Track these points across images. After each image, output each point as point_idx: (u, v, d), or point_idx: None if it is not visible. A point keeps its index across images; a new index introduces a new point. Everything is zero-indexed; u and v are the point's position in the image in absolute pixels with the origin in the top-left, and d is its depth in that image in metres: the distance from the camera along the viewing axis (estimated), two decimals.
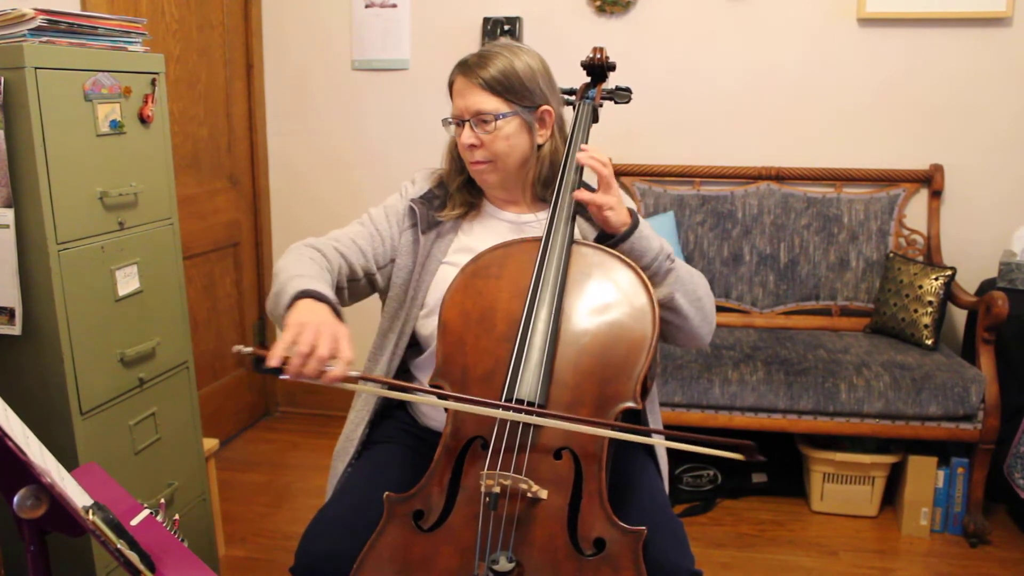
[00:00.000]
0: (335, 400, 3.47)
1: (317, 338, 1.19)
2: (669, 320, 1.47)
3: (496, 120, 1.47)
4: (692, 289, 1.48)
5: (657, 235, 1.45)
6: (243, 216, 3.37)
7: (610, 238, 1.42)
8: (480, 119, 1.47)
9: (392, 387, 1.39)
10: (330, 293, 1.34)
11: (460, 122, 1.50)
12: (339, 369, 1.20)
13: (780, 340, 2.85)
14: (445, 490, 1.29)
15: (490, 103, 1.47)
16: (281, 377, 1.19)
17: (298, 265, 1.41)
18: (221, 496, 2.56)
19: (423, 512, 1.29)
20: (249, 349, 1.22)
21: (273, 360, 1.18)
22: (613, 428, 1.27)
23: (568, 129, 1.56)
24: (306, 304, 1.28)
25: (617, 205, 1.40)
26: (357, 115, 3.39)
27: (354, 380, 1.22)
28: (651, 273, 1.42)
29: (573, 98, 1.61)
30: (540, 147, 1.54)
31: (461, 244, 1.57)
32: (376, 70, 3.34)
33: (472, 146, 1.49)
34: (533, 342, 1.30)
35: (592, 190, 1.55)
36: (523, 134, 1.50)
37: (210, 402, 3.12)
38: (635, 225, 1.41)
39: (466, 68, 1.49)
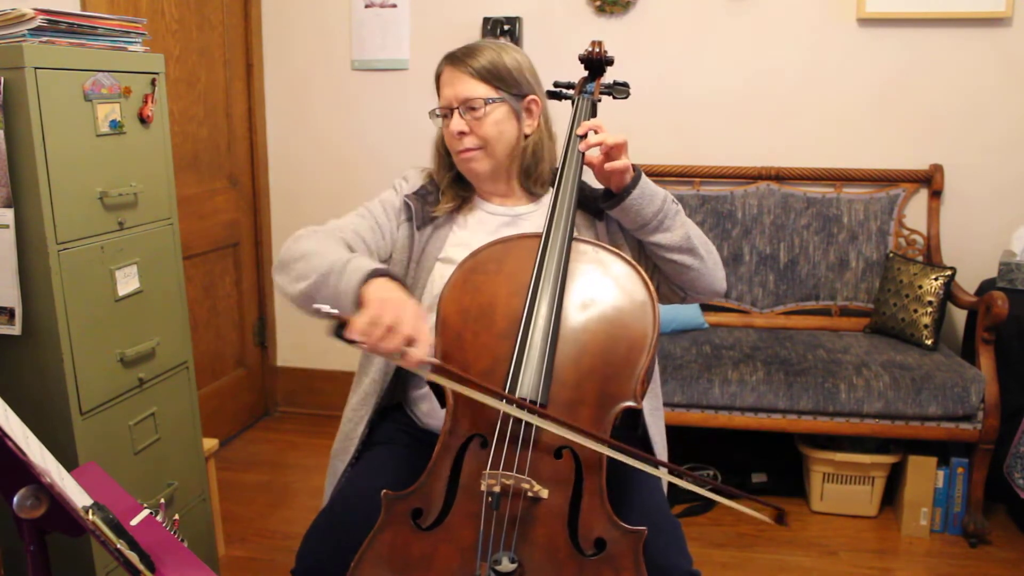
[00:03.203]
0: (335, 400, 3.46)
1: (401, 316, 1.19)
2: (689, 264, 1.50)
3: (485, 105, 1.48)
4: (697, 231, 1.53)
5: None
6: (243, 216, 3.37)
7: (617, 195, 1.45)
8: (469, 105, 1.48)
9: (465, 382, 1.29)
10: (400, 275, 1.34)
11: (448, 111, 1.51)
12: (420, 351, 1.20)
13: (780, 340, 2.85)
14: (444, 488, 1.29)
15: (479, 89, 1.48)
16: (359, 347, 1.19)
17: (337, 248, 1.40)
18: (221, 496, 2.56)
19: (422, 510, 1.28)
20: (334, 311, 1.21)
21: (355, 332, 1.17)
22: (645, 460, 1.24)
23: (560, 125, 1.57)
24: (384, 283, 1.27)
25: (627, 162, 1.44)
26: (357, 115, 3.39)
27: (430, 367, 1.22)
28: (663, 216, 1.46)
29: (571, 92, 1.61)
30: (527, 137, 1.54)
31: (456, 239, 1.57)
32: (376, 70, 3.34)
33: (461, 133, 1.49)
34: (534, 340, 1.30)
35: (588, 184, 1.56)
36: (511, 121, 1.52)
37: (210, 402, 3.12)
38: (639, 174, 1.45)
39: (454, 59, 1.51)
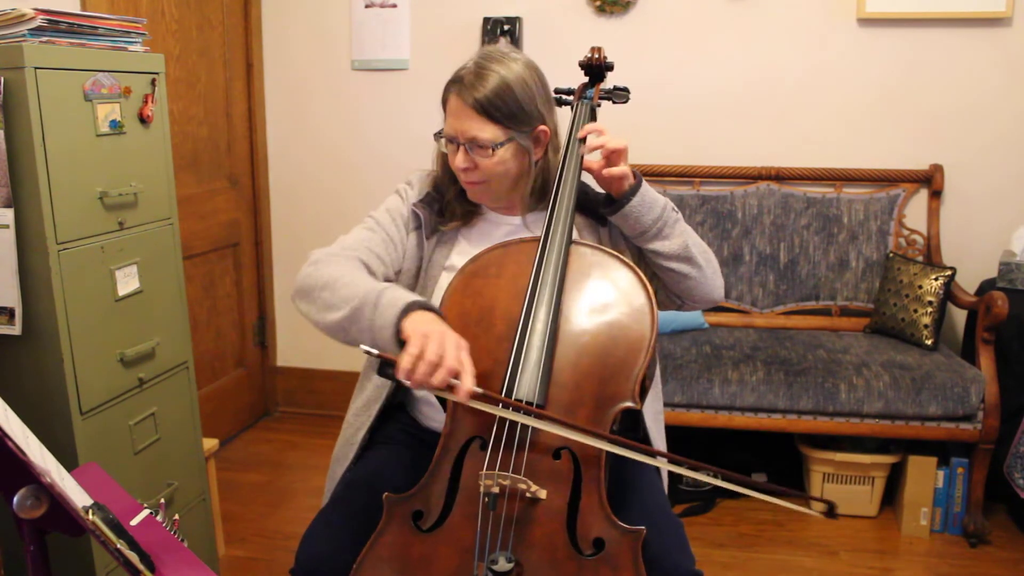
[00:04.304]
0: (335, 400, 3.47)
1: (444, 349, 1.19)
2: (687, 273, 1.49)
3: (492, 149, 1.43)
4: (696, 240, 1.52)
5: None
6: (243, 216, 3.38)
7: (617, 202, 1.44)
8: (475, 144, 1.44)
9: (510, 408, 1.29)
10: (436, 306, 1.32)
11: (453, 141, 1.47)
12: (468, 383, 1.19)
13: (780, 340, 2.85)
14: (444, 490, 1.29)
15: (486, 131, 1.42)
16: (405, 383, 1.19)
17: (360, 274, 1.39)
18: (221, 496, 2.56)
19: (422, 512, 1.29)
20: (376, 351, 1.22)
21: (401, 372, 1.18)
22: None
23: (560, 128, 1.54)
24: (423, 315, 1.25)
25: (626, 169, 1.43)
26: (357, 115, 3.39)
27: (478, 397, 1.22)
28: (662, 224, 1.45)
29: (571, 98, 1.61)
30: (536, 163, 1.52)
31: (461, 248, 1.56)
32: (376, 70, 3.34)
33: (466, 168, 1.47)
34: (532, 342, 1.30)
35: (591, 188, 1.56)
36: (518, 157, 1.48)
37: (210, 402, 3.12)
38: (640, 180, 1.45)
39: (461, 88, 1.43)
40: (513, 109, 1.43)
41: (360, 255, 1.47)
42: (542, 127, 1.48)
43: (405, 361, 1.18)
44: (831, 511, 1.19)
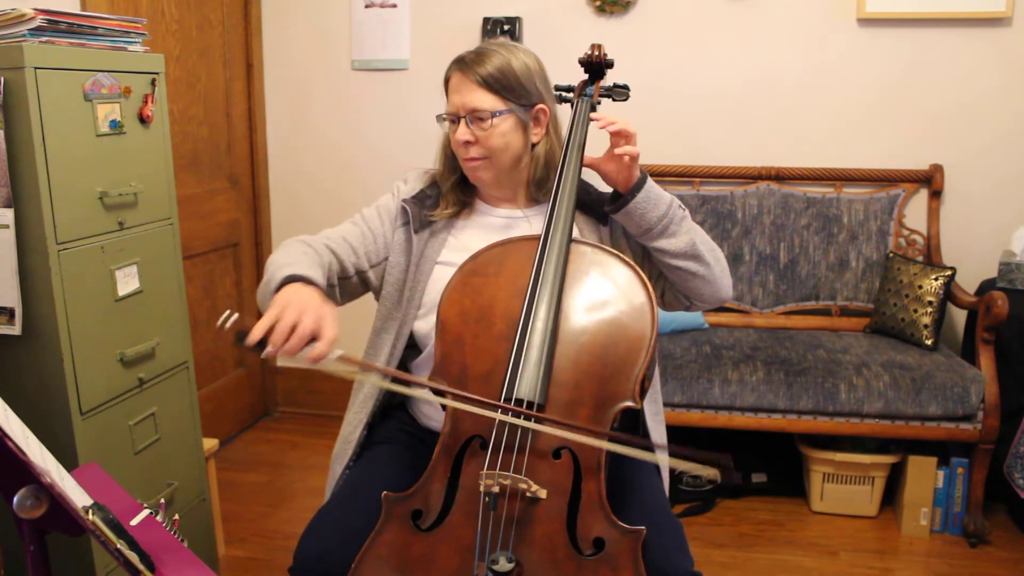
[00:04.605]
0: (335, 400, 3.47)
1: (301, 315, 1.21)
2: (695, 271, 1.49)
3: (492, 118, 1.47)
4: (704, 237, 1.52)
5: None
6: (243, 216, 3.38)
7: (623, 197, 1.45)
8: (476, 116, 1.47)
9: (389, 377, 1.36)
10: (319, 278, 1.35)
11: (455, 119, 1.50)
12: (321, 347, 1.20)
13: (780, 340, 2.85)
14: (444, 489, 1.29)
15: (486, 101, 1.47)
16: (263, 355, 1.19)
17: (288, 256, 1.42)
18: (221, 496, 2.56)
19: (421, 512, 1.29)
20: (232, 320, 1.21)
21: (255, 334, 1.18)
22: (610, 439, 1.26)
23: (564, 128, 1.55)
24: (294, 287, 1.30)
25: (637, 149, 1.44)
26: (357, 115, 3.39)
27: (349, 362, 1.22)
28: (668, 221, 1.46)
29: (571, 95, 1.61)
30: (534, 146, 1.53)
31: (454, 242, 1.57)
32: (376, 70, 3.34)
33: (467, 143, 1.49)
34: (532, 341, 1.30)
35: (593, 187, 1.56)
36: (518, 132, 1.50)
37: (210, 402, 3.12)
38: (646, 176, 1.46)
39: (463, 65, 1.49)
40: (512, 84, 1.48)
41: (331, 243, 1.53)
42: (541, 105, 1.51)
43: (260, 325, 1.19)
44: (727, 471, 1.20)
